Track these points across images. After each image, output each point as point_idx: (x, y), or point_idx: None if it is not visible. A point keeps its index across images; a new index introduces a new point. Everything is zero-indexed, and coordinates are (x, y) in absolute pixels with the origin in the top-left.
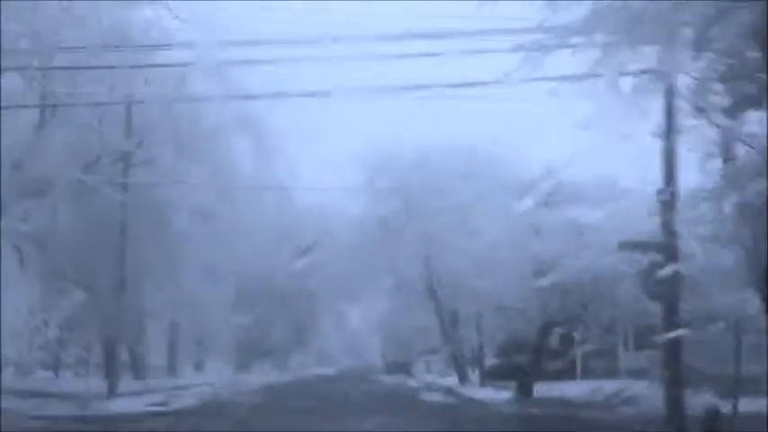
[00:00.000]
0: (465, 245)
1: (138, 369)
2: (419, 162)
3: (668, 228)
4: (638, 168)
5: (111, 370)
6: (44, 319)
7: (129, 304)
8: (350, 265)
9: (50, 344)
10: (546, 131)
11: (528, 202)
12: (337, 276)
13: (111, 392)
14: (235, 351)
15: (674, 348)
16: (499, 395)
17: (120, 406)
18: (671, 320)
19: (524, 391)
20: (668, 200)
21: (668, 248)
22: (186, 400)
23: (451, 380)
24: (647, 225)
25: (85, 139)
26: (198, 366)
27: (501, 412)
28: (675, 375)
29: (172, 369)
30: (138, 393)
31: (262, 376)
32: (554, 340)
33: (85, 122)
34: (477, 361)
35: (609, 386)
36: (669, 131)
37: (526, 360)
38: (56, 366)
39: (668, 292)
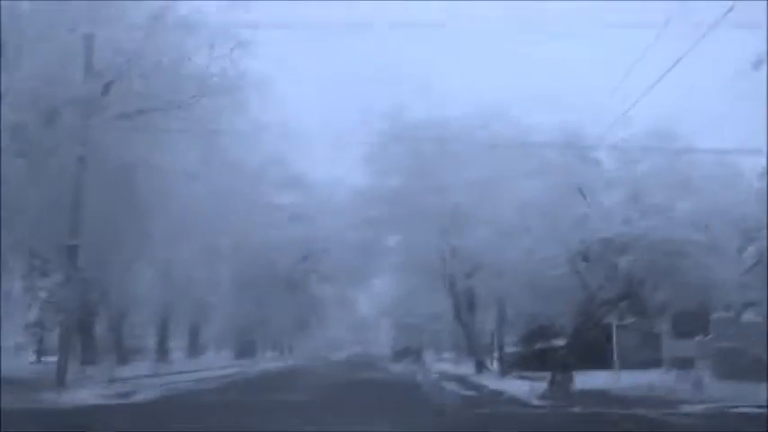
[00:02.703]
0: (488, 212)
1: (120, 353)
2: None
3: None
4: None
5: (62, 356)
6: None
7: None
8: (357, 244)
9: (30, 327)
10: None
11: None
12: (343, 256)
13: (60, 381)
14: (233, 336)
15: None
16: (524, 388)
17: (66, 398)
18: None
19: (561, 384)
20: None
21: None
22: (154, 392)
23: (465, 369)
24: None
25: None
26: (193, 351)
27: (533, 410)
28: None
29: (162, 354)
30: (101, 382)
31: (263, 363)
32: (597, 322)
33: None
34: (498, 348)
35: (655, 377)
36: None
37: (553, 348)
38: (40, 350)
39: None
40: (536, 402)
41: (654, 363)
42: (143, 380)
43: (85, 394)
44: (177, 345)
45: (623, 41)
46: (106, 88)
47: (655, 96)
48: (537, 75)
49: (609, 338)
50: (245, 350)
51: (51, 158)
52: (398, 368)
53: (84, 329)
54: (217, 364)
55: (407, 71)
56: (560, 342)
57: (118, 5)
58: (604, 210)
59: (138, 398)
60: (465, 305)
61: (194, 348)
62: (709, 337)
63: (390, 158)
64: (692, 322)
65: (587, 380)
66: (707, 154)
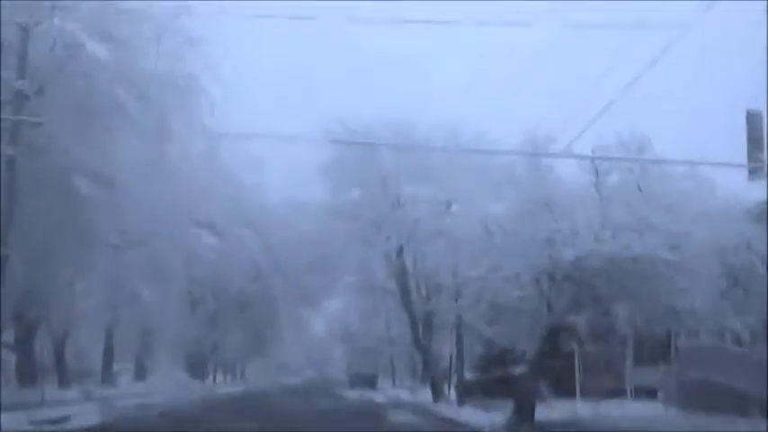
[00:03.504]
0: (449, 228)
1: (61, 375)
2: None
3: None
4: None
5: None
6: None
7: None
8: (310, 262)
9: None
10: None
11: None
12: (297, 275)
13: None
14: (183, 358)
15: None
16: (484, 417)
17: None
18: None
19: (523, 412)
20: None
21: None
22: (92, 417)
23: (421, 396)
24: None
25: None
26: (140, 374)
27: None
28: None
29: (107, 376)
30: (35, 406)
31: (208, 388)
32: (561, 348)
33: None
34: (455, 374)
35: (617, 407)
36: None
37: (514, 374)
38: None
39: None
40: None
41: (617, 392)
42: (83, 404)
43: (9, 419)
44: (124, 367)
45: (594, 45)
46: (41, 87)
47: (626, 105)
48: (500, 84)
49: (571, 366)
50: (195, 373)
51: None
52: (354, 395)
53: (21, 348)
54: (164, 388)
55: (368, 74)
56: (521, 369)
57: None
58: (573, 226)
59: (74, 424)
60: (423, 328)
61: (141, 371)
62: (673, 365)
63: (347, 171)
64: (656, 349)
65: (549, 410)
66: (682, 166)
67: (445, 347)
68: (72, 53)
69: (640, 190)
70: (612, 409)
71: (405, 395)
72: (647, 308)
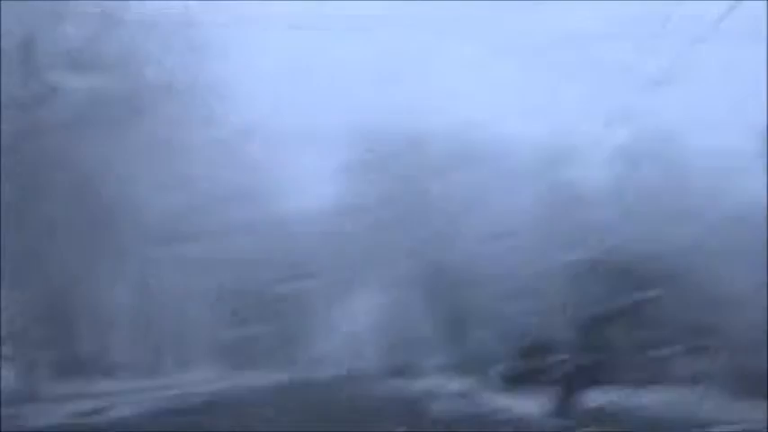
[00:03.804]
0: (479, 218)
1: (100, 368)
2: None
3: None
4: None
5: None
6: None
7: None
8: (339, 257)
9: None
10: None
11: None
12: (326, 269)
13: (30, 397)
14: (221, 352)
15: None
16: (526, 405)
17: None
18: None
19: (567, 400)
20: None
21: None
22: (129, 408)
23: (460, 385)
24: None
25: None
26: (181, 367)
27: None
28: None
29: (151, 369)
30: (77, 397)
31: (249, 380)
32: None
33: None
34: (494, 364)
35: (659, 397)
36: None
37: (556, 362)
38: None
39: None
40: (551, 421)
41: (659, 379)
42: (124, 395)
43: (57, 410)
44: (161, 360)
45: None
46: (51, 90)
47: (652, 97)
48: (518, 79)
49: (613, 352)
50: (231, 366)
51: None
52: (393, 385)
53: (60, 343)
54: (201, 379)
55: (389, 73)
56: (560, 357)
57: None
58: (608, 216)
59: (112, 415)
60: (460, 318)
61: (178, 363)
62: (719, 352)
63: (371, 168)
64: (699, 337)
65: (595, 397)
66: (711, 157)
67: (485, 337)
68: (78, 58)
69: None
70: (655, 398)
71: (445, 384)
72: (688, 295)
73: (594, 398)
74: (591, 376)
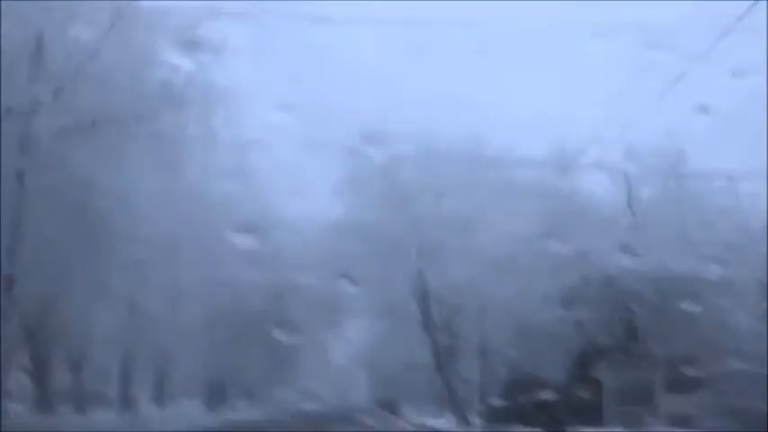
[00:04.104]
0: (472, 246)
1: (78, 401)
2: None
3: None
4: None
5: None
6: None
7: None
8: (328, 283)
9: None
10: None
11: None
12: (313, 297)
13: None
14: (201, 383)
15: None
16: None
17: None
18: None
19: None
20: None
21: None
22: None
23: (444, 423)
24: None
25: None
26: (159, 400)
27: None
28: None
29: (126, 403)
30: None
31: (234, 413)
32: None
33: None
34: (480, 400)
35: None
36: None
37: (542, 401)
38: None
39: None
40: None
41: (649, 419)
42: None
43: None
44: (142, 392)
45: (620, 52)
46: (55, 94)
47: (660, 114)
48: (524, 93)
49: (601, 392)
50: (215, 399)
51: None
52: (377, 422)
53: (36, 373)
54: (185, 414)
55: (385, 85)
56: (549, 395)
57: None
58: (605, 243)
59: None
60: (446, 352)
61: (160, 397)
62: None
63: (364, 188)
64: (691, 374)
65: None
66: (720, 179)
67: (470, 372)
68: (88, 60)
69: (677, 205)
70: None
71: (429, 422)
72: (683, 330)
73: None
74: (581, 414)
